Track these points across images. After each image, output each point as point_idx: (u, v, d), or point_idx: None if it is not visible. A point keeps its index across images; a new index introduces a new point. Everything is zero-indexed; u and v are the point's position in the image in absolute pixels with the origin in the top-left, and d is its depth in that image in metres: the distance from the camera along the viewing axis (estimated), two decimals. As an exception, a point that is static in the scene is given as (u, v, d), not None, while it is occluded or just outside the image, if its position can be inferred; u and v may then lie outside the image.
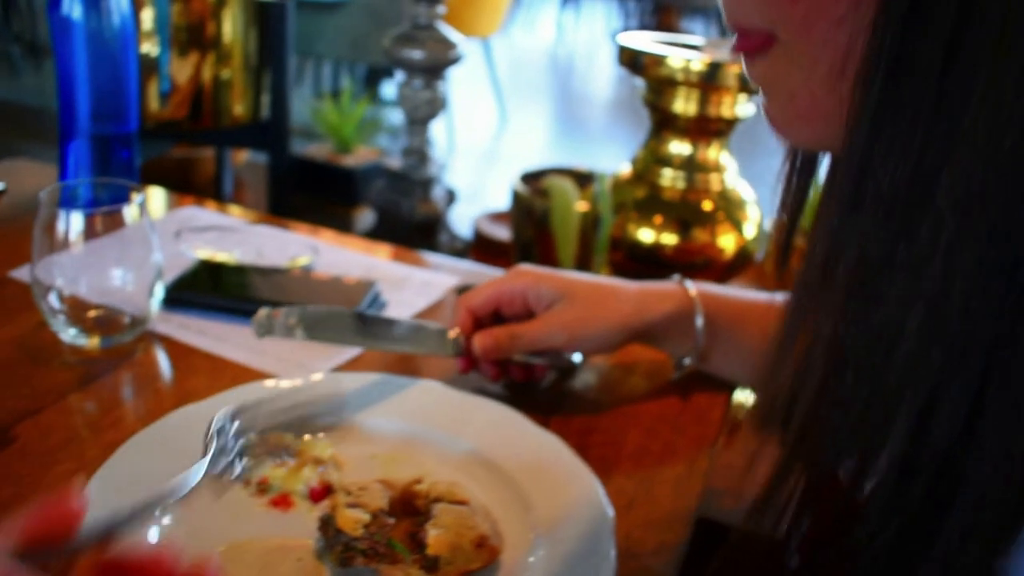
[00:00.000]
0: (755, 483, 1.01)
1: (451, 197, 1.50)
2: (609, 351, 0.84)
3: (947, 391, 0.38)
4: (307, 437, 0.68)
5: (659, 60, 1.12)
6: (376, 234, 1.38)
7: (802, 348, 0.47)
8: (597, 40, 8.37)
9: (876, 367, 0.40)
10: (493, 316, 0.84)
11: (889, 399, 0.40)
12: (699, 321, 0.81)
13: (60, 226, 0.79)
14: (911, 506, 0.40)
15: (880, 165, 0.39)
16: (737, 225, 1.20)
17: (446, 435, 0.73)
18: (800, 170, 0.54)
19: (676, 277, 0.85)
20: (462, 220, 1.79)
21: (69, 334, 0.83)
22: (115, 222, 0.80)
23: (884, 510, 0.41)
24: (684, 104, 1.15)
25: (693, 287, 0.83)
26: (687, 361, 0.85)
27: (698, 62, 1.11)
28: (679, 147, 1.19)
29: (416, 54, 1.28)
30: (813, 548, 0.55)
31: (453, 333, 0.81)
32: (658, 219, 1.18)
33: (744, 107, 1.17)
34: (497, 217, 1.74)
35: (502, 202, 1.47)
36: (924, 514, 0.40)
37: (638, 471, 0.74)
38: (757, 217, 1.23)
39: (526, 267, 0.84)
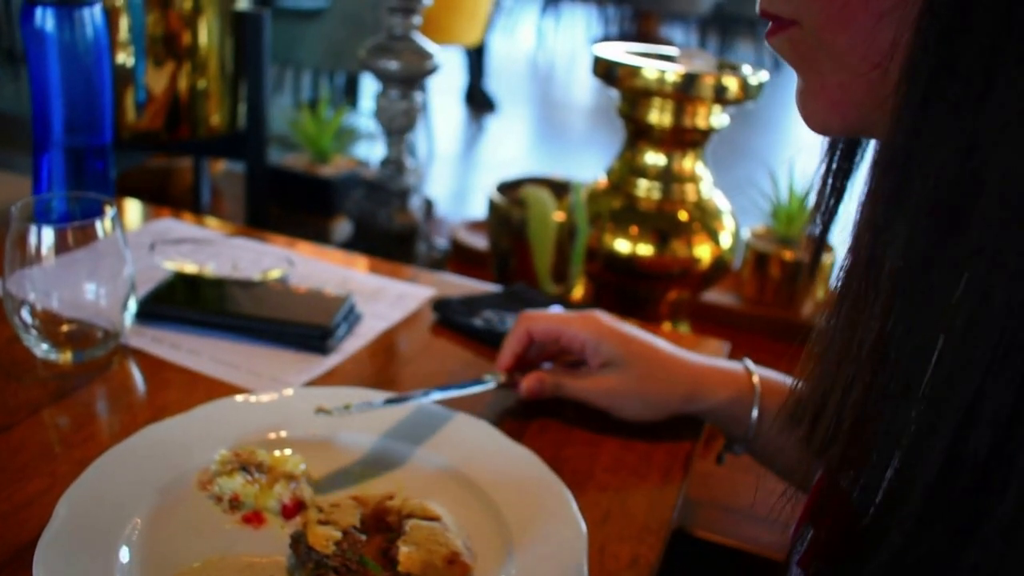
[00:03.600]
0: (733, 495, 1.01)
1: (429, 207, 1.50)
2: (649, 422, 0.82)
3: (991, 392, 0.37)
4: (278, 452, 0.68)
5: (634, 71, 1.13)
6: (353, 245, 1.38)
7: (844, 351, 0.46)
8: (577, 47, 8.39)
9: (921, 368, 0.40)
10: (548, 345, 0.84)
11: (933, 401, 0.39)
12: (754, 413, 0.79)
13: (32, 240, 0.79)
14: (950, 514, 0.40)
15: (925, 162, 0.39)
16: (713, 235, 1.21)
17: (419, 449, 0.73)
18: (836, 174, 0.54)
19: (745, 361, 0.82)
20: (440, 229, 1.79)
21: (42, 349, 0.82)
22: (88, 236, 0.80)
23: (918, 519, 0.40)
24: (659, 115, 1.16)
25: (757, 374, 0.81)
26: (737, 450, 0.83)
27: (673, 73, 1.11)
28: (654, 158, 1.20)
29: (392, 65, 1.28)
30: (815, 563, 0.55)
31: (503, 379, 0.82)
32: (634, 230, 1.19)
33: (719, 118, 1.17)
34: (475, 226, 1.74)
35: (481, 208, 1.47)
36: (963, 521, 0.39)
37: (613, 484, 0.75)
38: (732, 227, 1.24)
39: (599, 316, 0.83)
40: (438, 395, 0.76)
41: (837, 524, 0.53)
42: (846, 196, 0.55)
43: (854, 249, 0.45)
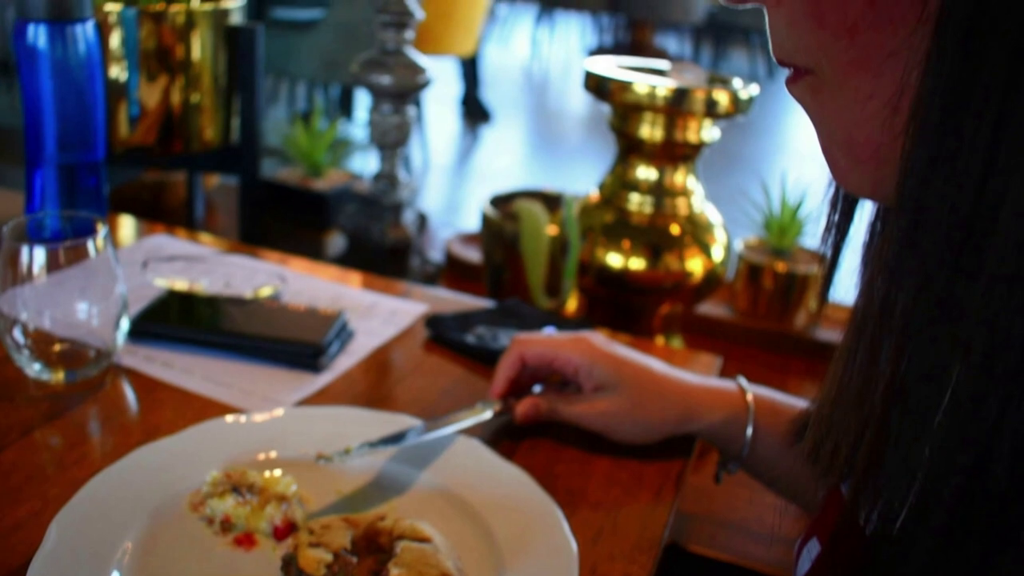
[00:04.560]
0: (728, 509, 1.01)
1: (422, 221, 1.50)
2: (643, 444, 0.82)
3: (1009, 424, 0.37)
4: (270, 473, 0.68)
5: (625, 86, 1.13)
6: (347, 259, 1.38)
7: (858, 388, 0.45)
8: (572, 56, 8.41)
9: (936, 403, 0.39)
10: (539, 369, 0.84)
11: (949, 434, 0.39)
12: (749, 431, 0.79)
13: (23, 259, 0.79)
14: (968, 543, 0.40)
15: (937, 201, 0.38)
16: (705, 248, 1.21)
17: (411, 469, 0.73)
18: (842, 202, 0.53)
19: (739, 379, 0.82)
20: (435, 242, 1.79)
21: (34, 369, 0.82)
22: (80, 254, 0.80)
23: (935, 549, 0.40)
24: (650, 129, 1.16)
25: (751, 392, 0.81)
26: (732, 468, 0.83)
27: (664, 87, 1.12)
28: (646, 172, 1.20)
29: (384, 79, 1.28)
30: None
31: (497, 407, 0.82)
32: (626, 244, 1.19)
33: (710, 132, 1.18)
34: (470, 238, 1.74)
35: (477, 218, 1.47)
36: (982, 549, 0.39)
37: (605, 501, 0.75)
38: (724, 240, 1.24)
39: (592, 339, 0.83)
40: (434, 434, 0.75)
41: (846, 542, 0.53)
42: (852, 224, 0.55)
43: (867, 291, 0.44)
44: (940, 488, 0.40)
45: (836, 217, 0.55)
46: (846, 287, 0.57)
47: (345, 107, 4.59)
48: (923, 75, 0.38)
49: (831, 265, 0.56)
